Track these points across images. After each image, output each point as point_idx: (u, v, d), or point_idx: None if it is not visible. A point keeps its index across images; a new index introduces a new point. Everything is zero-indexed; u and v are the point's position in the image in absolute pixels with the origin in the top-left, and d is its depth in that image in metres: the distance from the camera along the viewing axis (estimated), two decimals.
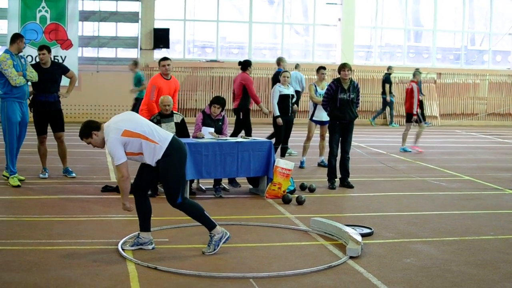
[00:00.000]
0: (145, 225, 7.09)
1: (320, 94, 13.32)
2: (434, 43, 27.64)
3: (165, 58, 11.22)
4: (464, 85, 26.44)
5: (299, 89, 19.52)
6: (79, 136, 6.93)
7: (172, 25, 24.57)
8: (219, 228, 7.05)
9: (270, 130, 14.29)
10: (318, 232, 7.94)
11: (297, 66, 20.99)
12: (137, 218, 7.15)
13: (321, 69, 14.06)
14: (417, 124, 16.13)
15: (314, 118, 13.66)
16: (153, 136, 6.82)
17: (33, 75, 10.79)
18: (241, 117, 13.98)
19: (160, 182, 7.40)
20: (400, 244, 7.62)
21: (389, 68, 24.80)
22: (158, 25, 24.23)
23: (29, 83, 10.95)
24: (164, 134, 6.95)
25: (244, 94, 13.89)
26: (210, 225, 7.06)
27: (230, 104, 23.43)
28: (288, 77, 13.67)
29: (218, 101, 10.60)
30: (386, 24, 27.55)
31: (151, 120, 10.29)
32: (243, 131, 13.79)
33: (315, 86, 13.73)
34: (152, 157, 6.84)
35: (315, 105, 13.49)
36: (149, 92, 10.91)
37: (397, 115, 25.64)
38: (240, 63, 14.32)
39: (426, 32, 28.34)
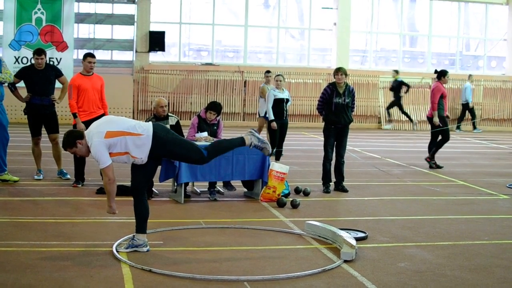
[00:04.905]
0: (141, 227, 7.09)
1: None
2: (429, 48, 27.70)
3: (91, 55, 11.08)
4: (459, 90, 26.49)
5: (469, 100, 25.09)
6: (62, 147, 6.98)
7: (168, 28, 24.56)
8: (247, 138, 7.35)
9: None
10: (312, 235, 7.95)
11: (470, 77, 25.39)
12: (132, 220, 7.16)
13: (267, 72, 16.04)
14: None
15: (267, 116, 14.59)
16: (136, 130, 6.87)
17: (6, 76, 10.76)
18: (440, 125, 14.28)
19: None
20: (394, 248, 7.63)
21: None
22: (154, 28, 24.22)
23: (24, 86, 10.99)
24: (144, 125, 7.00)
25: (439, 103, 14.25)
26: (241, 143, 7.37)
27: (226, 109, 23.60)
28: (281, 81, 13.82)
29: (215, 108, 10.60)
30: (382, 29, 27.58)
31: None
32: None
33: (268, 88, 15.08)
34: (140, 149, 6.86)
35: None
36: (70, 93, 10.91)
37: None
38: (436, 71, 14.75)
39: (421, 37, 28.39)
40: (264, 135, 15.96)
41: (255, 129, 7.52)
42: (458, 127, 25.43)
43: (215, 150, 7.28)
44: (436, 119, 14.14)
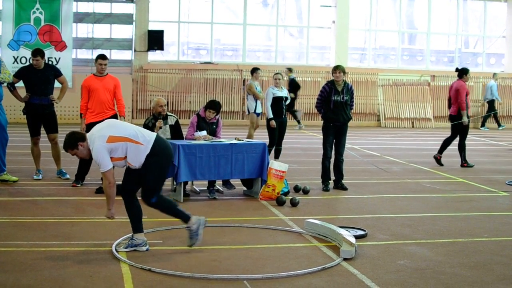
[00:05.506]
0: (137, 227, 7.09)
1: (259, 91, 15.32)
2: (428, 46, 27.70)
3: (102, 57, 11.11)
4: None
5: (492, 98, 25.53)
6: (64, 148, 6.97)
7: (167, 27, 24.57)
8: (193, 219, 7.11)
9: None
10: (312, 234, 7.95)
11: (494, 75, 25.62)
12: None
13: (257, 70, 15.79)
14: None
15: (257, 111, 15.24)
16: (138, 138, 6.90)
17: (5, 76, 10.75)
18: (463, 124, 14.25)
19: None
20: (393, 246, 7.63)
21: None
22: (153, 27, 24.23)
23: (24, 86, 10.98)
24: (148, 136, 7.01)
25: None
26: (185, 219, 7.14)
27: (224, 107, 23.60)
28: (280, 79, 13.83)
29: (214, 106, 10.59)
30: (380, 27, 27.60)
31: (146, 124, 10.33)
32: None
33: (255, 84, 15.43)
34: (136, 158, 6.89)
35: (256, 100, 15.20)
36: (80, 94, 10.96)
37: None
38: (457, 69, 14.73)
39: (420, 35, 28.41)
40: (260, 131, 16.02)
41: (205, 222, 7.34)
42: (499, 125, 25.68)
43: (163, 204, 7.13)
44: (465, 119, 14.14)
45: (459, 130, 14.26)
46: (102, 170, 6.80)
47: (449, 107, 14.51)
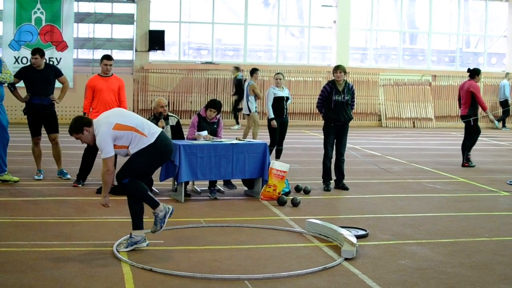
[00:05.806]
0: (137, 224, 7.11)
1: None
2: (429, 45, 27.68)
3: (108, 57, 11.12)
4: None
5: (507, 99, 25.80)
6: (69, 131, 6.99)
7: (168, 27, 24.56)
8: (161, 206, 7.12)
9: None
10: (313, 233, 7.94)
11: (507, 75, 25.85)
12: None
13: (257, 70, 16.79)
14: None
15: (257, 110, 16.32)
16: (143, 129, 6.98)
17: (6, 76, 10.74)
18: (472, 124, 14.27)
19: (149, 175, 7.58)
20: (395, 245, 7.63)
21: None
22: (154, 27, 24.22)
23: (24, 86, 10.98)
24: (153, 129, 7.08)
25: (473, 101, 14.22)
26: (153, 204, 7.12)
27: (225, 107, 23.59)
28: (281, 79, 13.83)
29: (215, 105, 10.59)
30: (381, 26, 27.58)
31: None
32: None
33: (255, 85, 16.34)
34: (136, 146, 6.94)
35: (256, 101, 16.23)
36: (85, 93, 11.00)
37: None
38: (469, 70, 14.69)
39: (421, 34, 28.38)
40: (261, 131, 16.02)
41: (172, 210, 7.31)
42: (504, 126, 25.62)
43: (133, 186, 6.98)
44: (491, 117, 14.15)
45: (468, 130, 14.28)
46: (103, 156, 6.86)
47: (460, 107, 14.52)
